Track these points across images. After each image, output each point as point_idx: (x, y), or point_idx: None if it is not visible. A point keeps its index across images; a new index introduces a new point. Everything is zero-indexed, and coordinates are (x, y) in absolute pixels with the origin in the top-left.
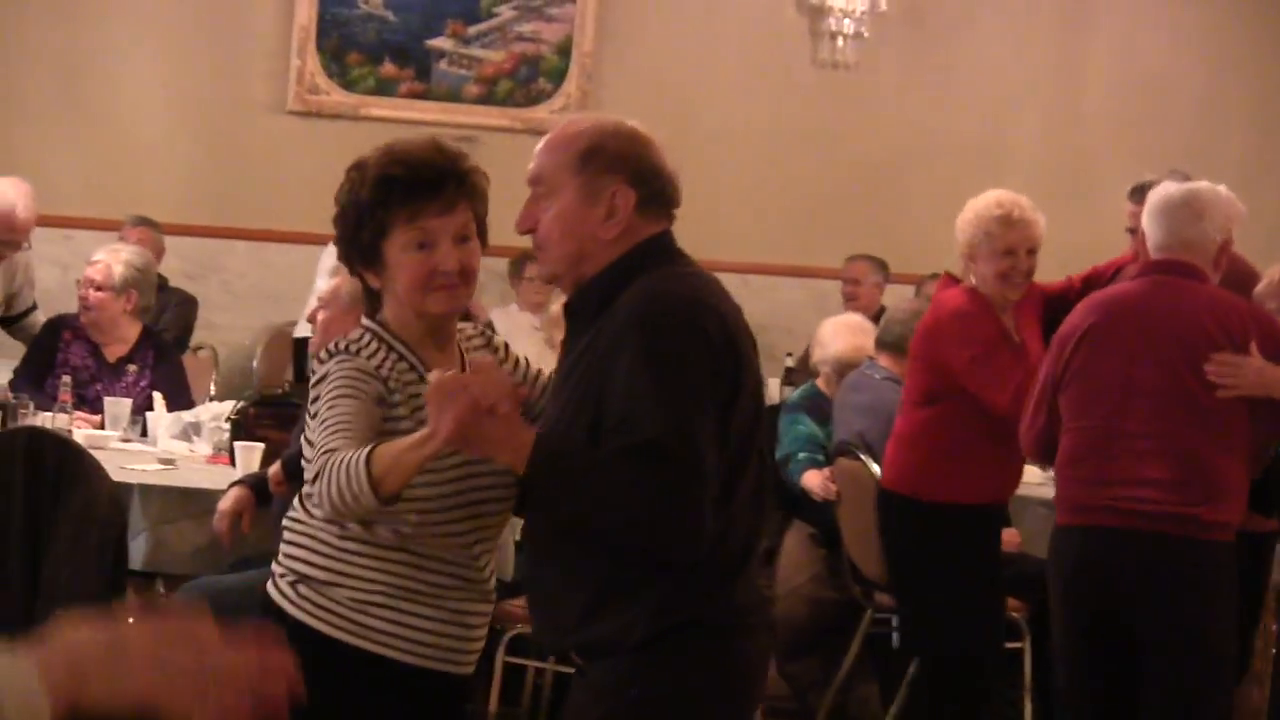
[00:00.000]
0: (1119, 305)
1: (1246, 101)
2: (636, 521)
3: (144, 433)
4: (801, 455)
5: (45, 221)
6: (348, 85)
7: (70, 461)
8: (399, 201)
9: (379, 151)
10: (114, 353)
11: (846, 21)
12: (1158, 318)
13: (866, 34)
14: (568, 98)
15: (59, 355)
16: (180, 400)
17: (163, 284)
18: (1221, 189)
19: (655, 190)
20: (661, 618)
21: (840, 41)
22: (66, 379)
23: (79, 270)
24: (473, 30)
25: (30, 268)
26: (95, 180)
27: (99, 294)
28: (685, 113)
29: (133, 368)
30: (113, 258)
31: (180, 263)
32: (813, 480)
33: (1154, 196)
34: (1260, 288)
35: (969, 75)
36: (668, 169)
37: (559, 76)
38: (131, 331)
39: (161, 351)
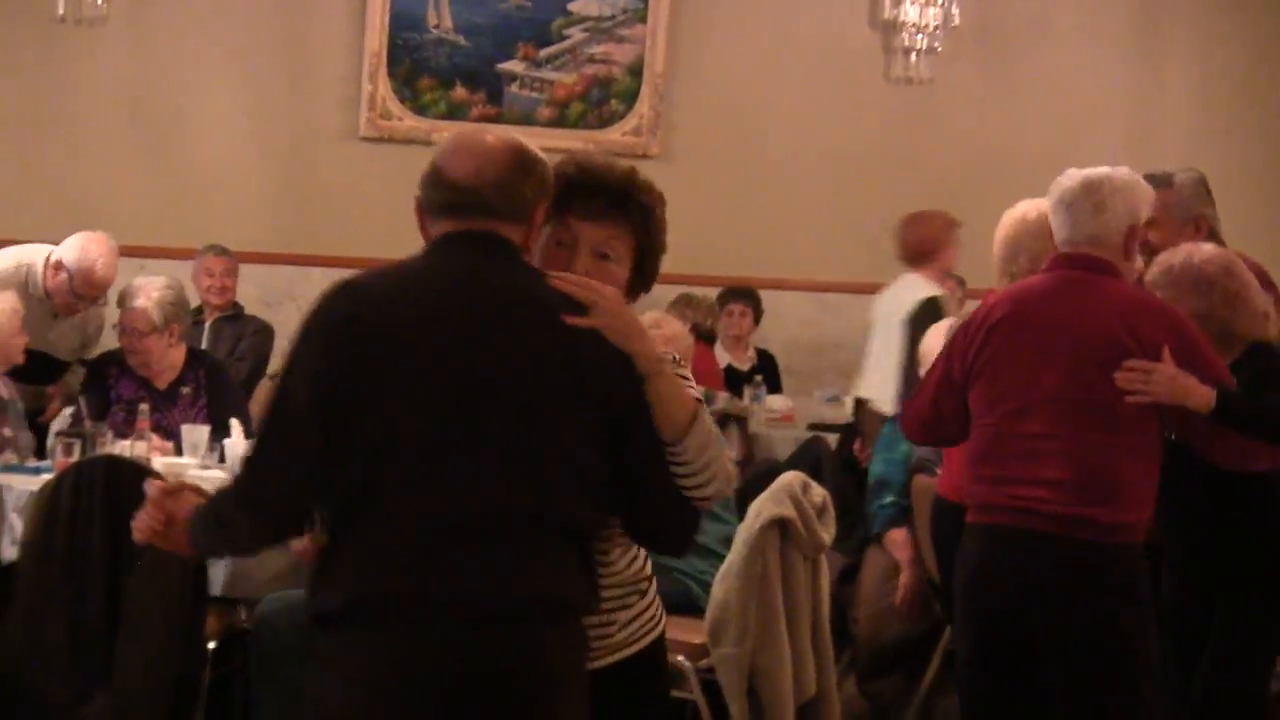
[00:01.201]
0: (1027, 301)
1: None
2: None
3: (221, 459)
4: (889, 500)
5: (122, 251)
6: (419, 110)
7: None
8: (558, 197)
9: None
10: (164, 380)
11: (920, 37)
12: (1064, 316)
13: (940, 49)
14: (640, 119)
15: (110, 393)
16: (241, 411)
17: (238, 312)
18: (1122, 171)
19: (430, 196)
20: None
21: (913, 57)
22: (144, 407)
23: None
24: (543, 53)
25: (103, 321)
26: (169, 209)
27: (144, 340)
28: (758, 131)
29: (186, 390)
30: (146, 300)
31: (256, 290)
32: (895, 539)
33: (1053, 189)
34: (1152, 274)
35: (1044, 90)
36: (448, 175)
37: (631, 98)
38: (178, 357)
39: (211, 369)
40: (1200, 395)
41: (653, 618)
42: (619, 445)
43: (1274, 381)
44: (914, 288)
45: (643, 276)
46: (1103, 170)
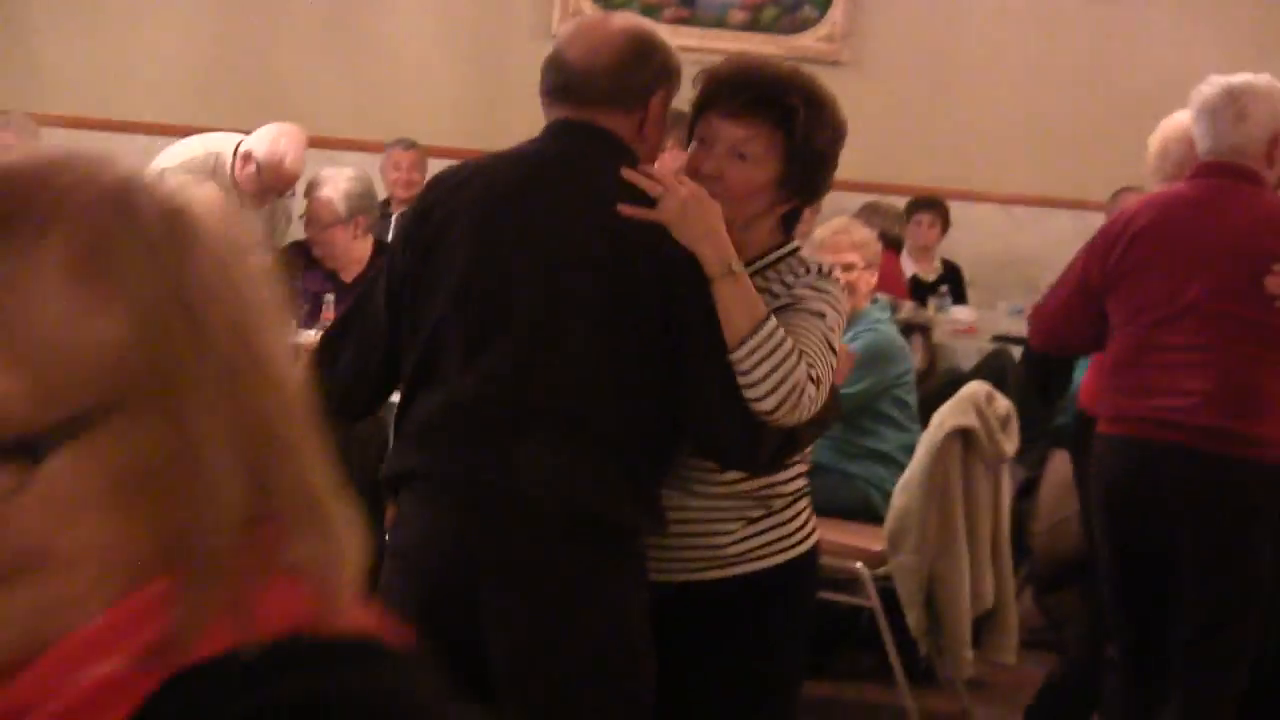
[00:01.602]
0: (1171, 208)
1: None
2: None
3: None
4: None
5: (311, 143)
6: (612, 10)
7: None
8: (706, 94)
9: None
10: (351, 273)
11: None
12: (1210, 226)
13: None
14: (833, 25)
15: (296, 284)
16: None
17: None
18: (1264, 78)
19: (545, 79)
20: None
21: None
22: (329, 298)
23: None
24: None
25: (291, 213)
26: (360, 103)
27: (329, 232)
28: (952, 42)
29: None
30: (332, 190)
31: None
32: None
33: (1194, 97)
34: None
35: (1233, 11)
36: (563, 58)
37: (825, 4)
38: (364, 250)
39: None
40: None
41: (786, 535)
42: (677, 349)
43: None
44: None
45: (794, 181)
46: (1244, 77)
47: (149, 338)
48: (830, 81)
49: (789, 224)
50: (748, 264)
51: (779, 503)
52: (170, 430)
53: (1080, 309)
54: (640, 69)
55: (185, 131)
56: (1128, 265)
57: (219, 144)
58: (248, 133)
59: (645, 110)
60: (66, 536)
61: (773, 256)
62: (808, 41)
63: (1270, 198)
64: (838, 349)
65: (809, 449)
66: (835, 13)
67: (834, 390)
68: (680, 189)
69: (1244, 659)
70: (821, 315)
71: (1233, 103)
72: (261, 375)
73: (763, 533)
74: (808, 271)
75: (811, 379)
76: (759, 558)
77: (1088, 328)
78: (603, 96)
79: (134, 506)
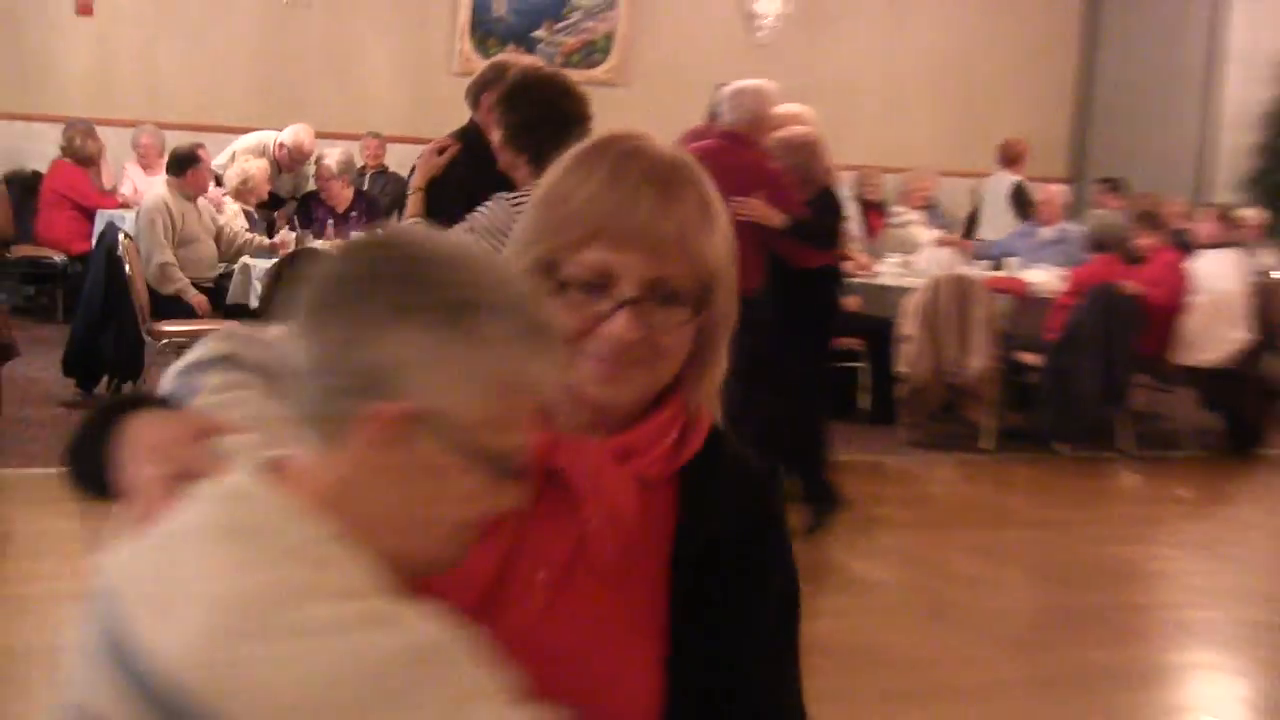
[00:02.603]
0: (701, 156)
1: None
2: None
3: None
4: None
5: (318, 134)
6: (487, 56)
7: None
8: None
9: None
10: (342, 207)
11: (768, 17)
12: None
13: (779, 24)
14: (613, 62)
15: (312, 214)
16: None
17: (383, 169)
18: (757, 82)
19: None
20: None
21: (765, 23)
22: (330, 220)
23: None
24: (557, 26)
25: (308, 175)
26: (348, 107)
27: (330, 183)
28: (687, 72)
29: (355, 214)
30: (331, 161)
31: (395, 157)
32: None
33: (726, 90)
34: (774, 145)
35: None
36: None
37: (606, 50)
38: (349, 194)
39: (369, 201)
40: None
41: None
42: None
43: (829, 210)
44: None
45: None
46: (748, 81)
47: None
48: (612, 97)
49: None
50: None
51: None
52: (715, 316)
53: None
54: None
55: (240, 130)
56: None
57: (266, 136)
58: (280, 129)
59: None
60: (678, 347)
61: None
62: (598, 73)
63: (748, 154)
64: None
65: None
66: (614, 58)
67: None
68: None
69: None
70: None
71: (736, 94)
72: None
73: None
74: None
75: None
76: None
77: None
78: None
79: (694, 346)
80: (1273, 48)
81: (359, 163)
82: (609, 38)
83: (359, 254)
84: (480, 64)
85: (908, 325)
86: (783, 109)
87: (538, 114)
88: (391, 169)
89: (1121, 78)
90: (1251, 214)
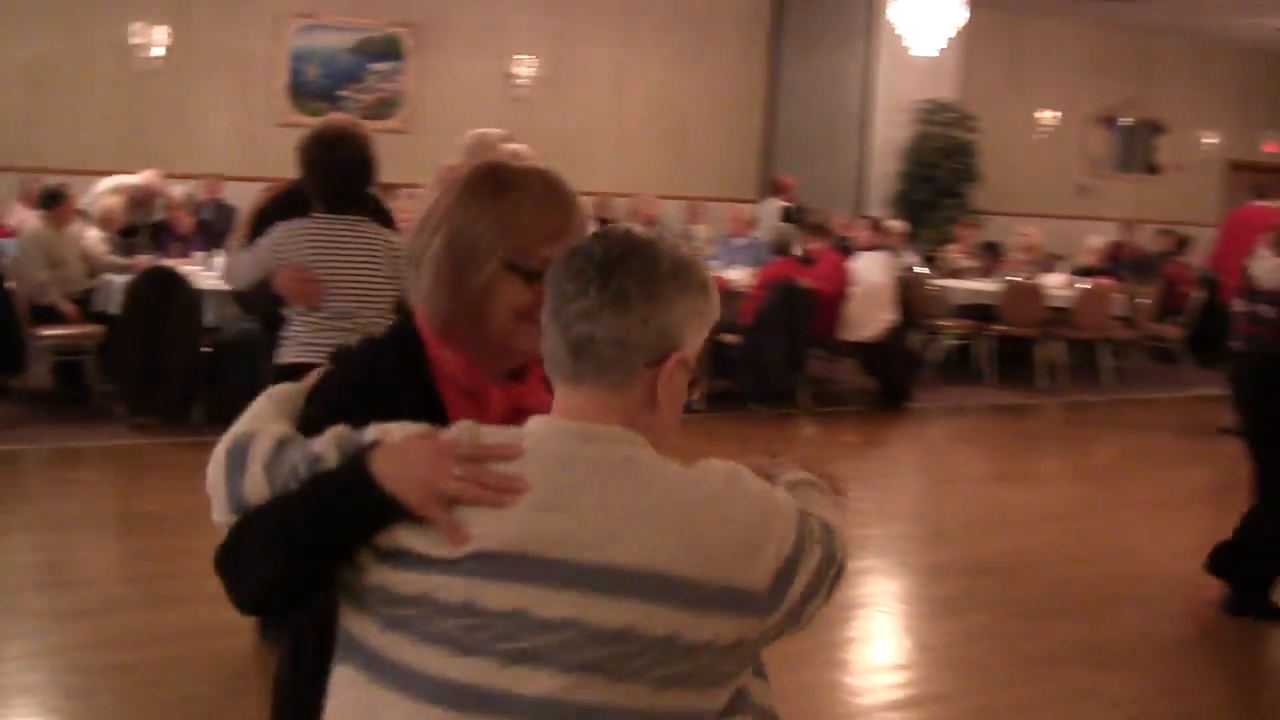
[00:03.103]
0: None
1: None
2: None
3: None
4: None
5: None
6: (303, 111)
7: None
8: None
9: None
10: (184, 232)
11: (521, 80)
12: None
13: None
14: (401, 118)
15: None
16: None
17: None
18: (491, 131)
19: None
20: None
21: (519, 87)
22: (176, 244)
23: None
24: (357, 87)
25: (157, 208)
26: (151, 144)
27: (176, 212)
28: (461, 124)
29: (196, 239)
30: (177, 194)
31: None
32: None
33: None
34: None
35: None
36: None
37: (397, 106)
38: (192, 222)
39: (208, 230)
40: None
41: None
42: None
43: None
44: None
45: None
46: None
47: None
48: (403, 143)
49: None
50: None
51: None
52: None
53: None
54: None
55: (105, 173)
56: None
57: (124, 179)
58: (135, 173)
59: None
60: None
61: None
62: (392, 123)
63: None
64: None
65: None
66: (403, 110)
67: None
68: None
69: None
70: None
71: (468, 140)
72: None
73: None
74: None
75: None
76: None
77: None
78: None
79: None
80: (909, 98)
81: (199, 197)
82: (399, 95)
83: (641, 262)
84: (297, 117)
85: None
86: (508, 147)
87: (326, 158)
88: (226, 201)
89: (797, 120)
90: (896, 224)
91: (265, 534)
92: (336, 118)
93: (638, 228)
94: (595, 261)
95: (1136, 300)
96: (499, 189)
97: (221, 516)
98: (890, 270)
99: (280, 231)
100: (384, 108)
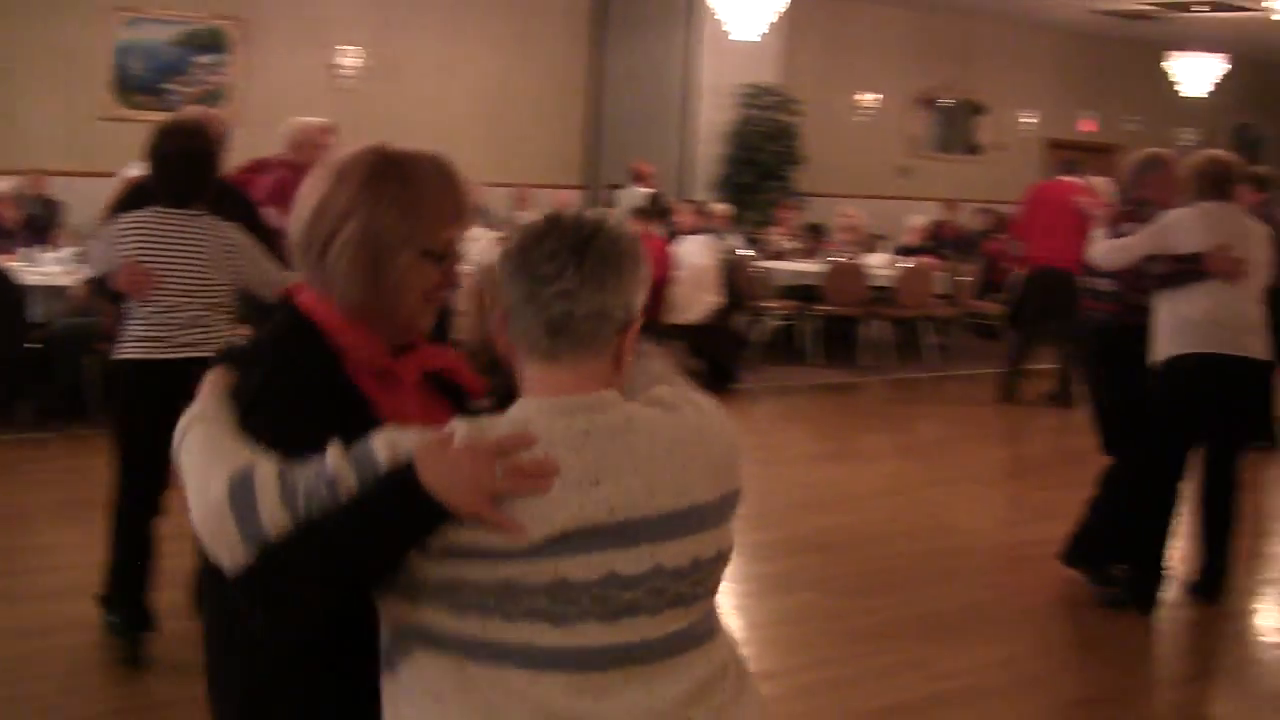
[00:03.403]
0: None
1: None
2: None
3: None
4: None
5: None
6: (130, 105)
7: None
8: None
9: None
10: (10, 225)
11: (346, 71)
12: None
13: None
14: (227, 110)
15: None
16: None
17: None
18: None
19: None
20: None
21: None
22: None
23: None
24: (181, 79)
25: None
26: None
27: (2, 206)
28: (282, 113)
29: (22, 231)
30: (3, 188)
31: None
32: None
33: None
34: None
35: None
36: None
37: (220, 100)
38: (18, 215)
39: (34, 223)
40: None
41: None
42: None
43: None
44: None
45: None
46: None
47: None
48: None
49: None
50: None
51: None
52: None
53: None
54: None
55: None
56: None
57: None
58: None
59: None
60: None
61: None
62: (224, 113)
63: (302, 174)
64: None
65: None
66: (229, 103)
67: None
68: None
69: None
70: None
71: (287, 129)
72: None
73: None
74: None
75: None
76: None
77: None
78: None
79: None
80: (731, 83)
81: (26, 192)
82: (225, 88)
83: (608, 243)
84: (123, 111)
85: (462, 302)
86: (309, 121)
87: (163, 151)
88: (52, 197)
89: (621, 106)
90: (720, 208)
91: (316, 557)
92: (190, 110)
93: (578, 210)
94: (568, 244)
95: (958, 278)
96: (401, 178)
97: (239, 558)
98: (714, 253)
99: (120, 223)
100: (210, 100)
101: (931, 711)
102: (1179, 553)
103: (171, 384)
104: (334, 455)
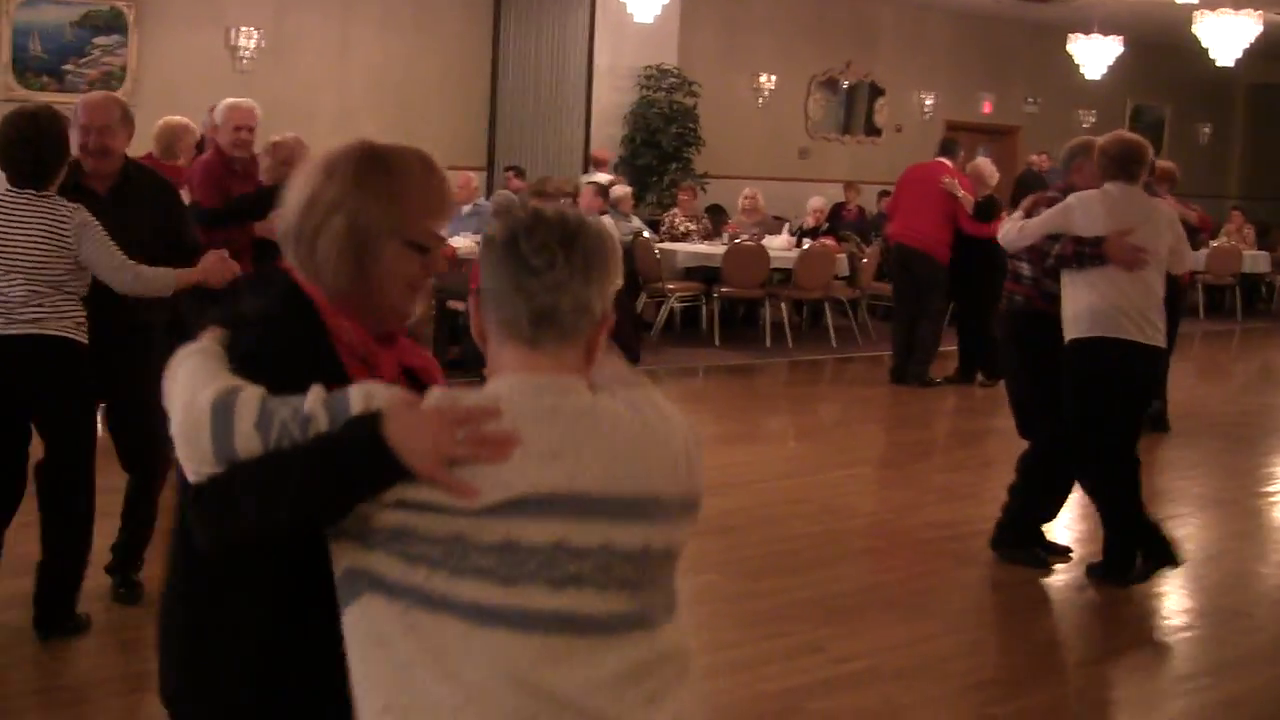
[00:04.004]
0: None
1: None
2: None
3: None
4: None
5: None
6: (27, 86)
7: None
8: None
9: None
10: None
11: (247, 52)
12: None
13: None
14: (125, 91)
15: None
16: None
17: None
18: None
19: None
20: None
21: (244, 62)
22: None
23: None
24: (82, 61)
25: None
26: None
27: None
28: (191, 99)
29: None
30: None
31: None
32: None
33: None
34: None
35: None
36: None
37: (121, 80)
38: None
39: None
40: None
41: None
42: None
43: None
44: None
45: None
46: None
47: None
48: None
49: None
50: None
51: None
52: None
53: None
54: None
55: None
56: None
57: None
58: None
59: None
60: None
61: None
62: (117, 96)
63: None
64: None
65: None
66: (128, 84)
67: None
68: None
69: None
70: None
71: (214, 111)
72: None
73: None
74: None
75: None
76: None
77: None
78: None
79: None
80: (629, 64)
81: None
82: (123, 69)
83: (593, 239)
84: (22, 93)
85: None
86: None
87: (5, 136)
88: None
89: (521, 87)
90: (621, 190)
91: (270, 484)
92: (33, 104)
93: (557, 206)
94: (557, 238)
95: (858, 260)
96: (387, 171)
97: (204, 466)
98: (616, 235)
99: None
100: (108, 82)
101: (832, 694)
102: (1078, 534)
103: (5, 360)
104: (313, 396)
